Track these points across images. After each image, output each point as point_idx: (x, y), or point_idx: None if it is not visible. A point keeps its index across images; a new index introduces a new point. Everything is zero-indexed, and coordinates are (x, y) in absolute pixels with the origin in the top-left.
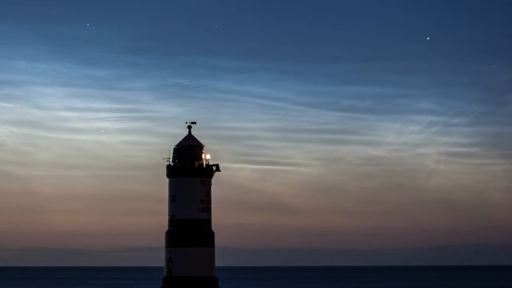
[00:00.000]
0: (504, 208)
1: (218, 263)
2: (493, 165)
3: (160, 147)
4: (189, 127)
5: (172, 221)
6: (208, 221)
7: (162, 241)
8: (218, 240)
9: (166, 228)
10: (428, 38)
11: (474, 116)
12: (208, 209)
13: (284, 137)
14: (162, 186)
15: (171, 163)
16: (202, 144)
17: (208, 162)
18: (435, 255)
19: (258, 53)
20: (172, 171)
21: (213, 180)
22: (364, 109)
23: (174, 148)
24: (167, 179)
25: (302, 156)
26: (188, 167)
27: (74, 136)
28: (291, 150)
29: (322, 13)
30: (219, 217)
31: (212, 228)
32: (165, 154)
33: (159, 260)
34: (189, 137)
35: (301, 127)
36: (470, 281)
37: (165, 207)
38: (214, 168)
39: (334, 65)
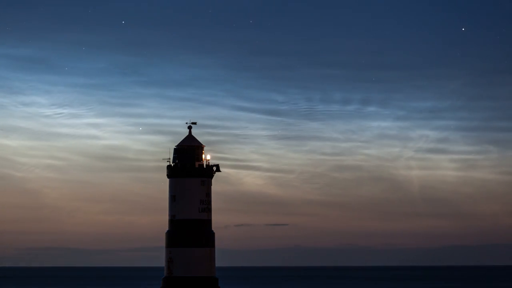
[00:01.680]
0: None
1: (218, 263)
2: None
3: (160, 147)
4: (190, 127)
5: (172, 221)
6: (208, 221)
7: (162, 241)
8: (218, 241)
9: (167, 228)
10: (463, 29)
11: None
12: (208, 210)
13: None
14: (162, 186)
15: (171, 163)
16: (202, 145)
17: (209, 163)
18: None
19: None
20: (172, 172)
21: (213, 180)
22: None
23: (174, 149)
24: (167, 179)
25: (284, 154)
26: (189, 167)
27: (73, 136)
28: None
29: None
30: (219, 217)
31: (212, 228)
32: (166, 155)
33: (160, 260)
34: (190, 137)
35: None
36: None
37: (165, 207)
38: (214, 168)
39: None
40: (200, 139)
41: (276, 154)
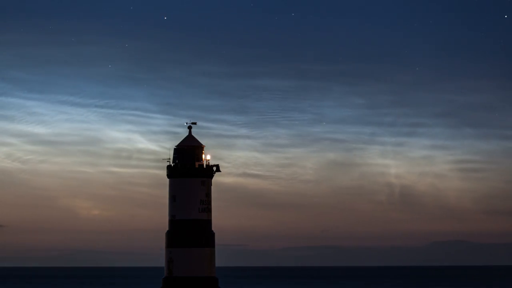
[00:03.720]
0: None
1: (218, 263)
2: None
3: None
4: (190, 128)
5: (172, 221)
6: (209, 221)
7: (162, 242)
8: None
9: (167, 228)
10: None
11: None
12: (208, 210)
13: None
14: (162, 186)
15: (171, 163)
16: (202, 145)
17: (209, 163)
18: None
19: None
20: (172, 172)
21: (213, 180)
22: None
23: (175, 149)
24: (168, 180)
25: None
26: (189, 167)
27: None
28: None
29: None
30: (219, 218)
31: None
32: (166, 155)
33: (160, 260)
34: (190, 137)
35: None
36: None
37: (165, 207)
38: (214, 168)
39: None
40: None
41: None
